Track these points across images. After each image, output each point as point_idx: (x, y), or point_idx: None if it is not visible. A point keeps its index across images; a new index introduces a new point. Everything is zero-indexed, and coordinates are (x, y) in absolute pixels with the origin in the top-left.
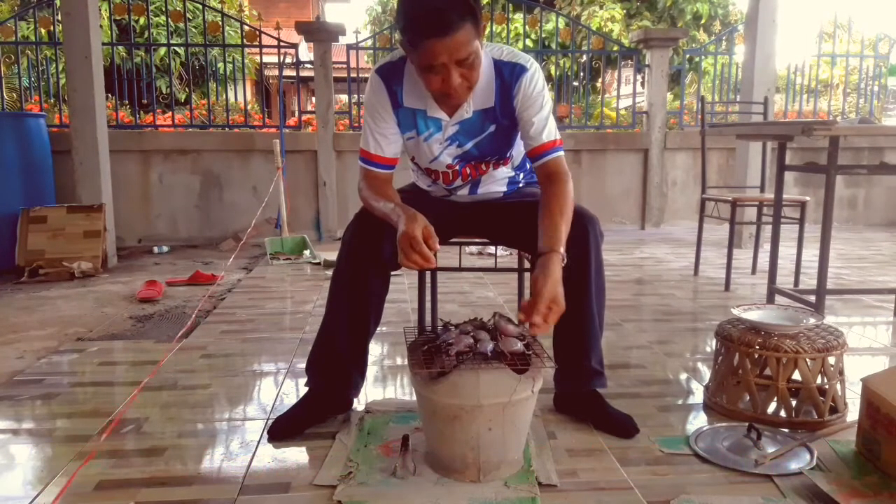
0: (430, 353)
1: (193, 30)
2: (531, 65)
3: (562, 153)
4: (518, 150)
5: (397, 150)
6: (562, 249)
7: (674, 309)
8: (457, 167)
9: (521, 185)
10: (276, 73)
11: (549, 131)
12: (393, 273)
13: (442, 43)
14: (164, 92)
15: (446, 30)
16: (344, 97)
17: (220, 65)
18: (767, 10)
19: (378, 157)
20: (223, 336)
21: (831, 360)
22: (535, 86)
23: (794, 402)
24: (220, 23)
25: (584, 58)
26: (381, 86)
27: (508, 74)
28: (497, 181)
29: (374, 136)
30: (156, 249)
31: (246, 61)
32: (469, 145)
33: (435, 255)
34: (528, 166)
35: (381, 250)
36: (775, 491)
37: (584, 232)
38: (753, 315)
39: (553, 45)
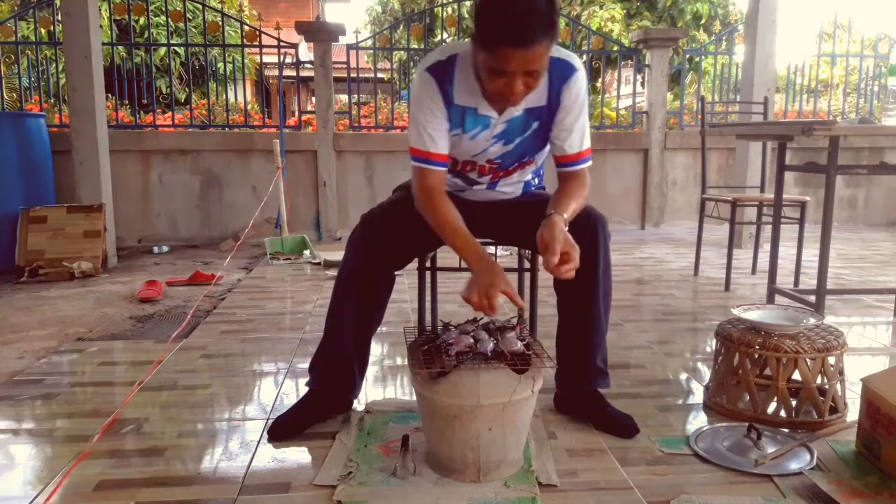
0: (430, 353)
1: (193, 30)
2: (580, 65)
3: (590, 163)
4: (542, 152)
5: (449, 147)
6: (566, 216)
7: (674, 309)
8: (496, 162)
9: (532, 189)
10: (276, 73)
11: (586, 140)
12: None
13: (520, 53)
14: (164, 92)
15: (527, 42)
16: (344, 97)
17: (220, 65)
18: (767, 10)
19: (436, 155)
20: (223, 336)
21: (831, 360)
22: (581, 89)
23: (794, 402)
24: (220, 23)
25: (584, 58)
26: (433, 83)
27: (560, 72)
28: (514, 184)
29: (427, 133)
30: (156, 249)
31: (246, 61)
32: (512, 145)
33: None
34: (541, 171)
35: (388, 254)
36: (775, 491)
37: (594, 232)
38: (753, 315)
39: None
